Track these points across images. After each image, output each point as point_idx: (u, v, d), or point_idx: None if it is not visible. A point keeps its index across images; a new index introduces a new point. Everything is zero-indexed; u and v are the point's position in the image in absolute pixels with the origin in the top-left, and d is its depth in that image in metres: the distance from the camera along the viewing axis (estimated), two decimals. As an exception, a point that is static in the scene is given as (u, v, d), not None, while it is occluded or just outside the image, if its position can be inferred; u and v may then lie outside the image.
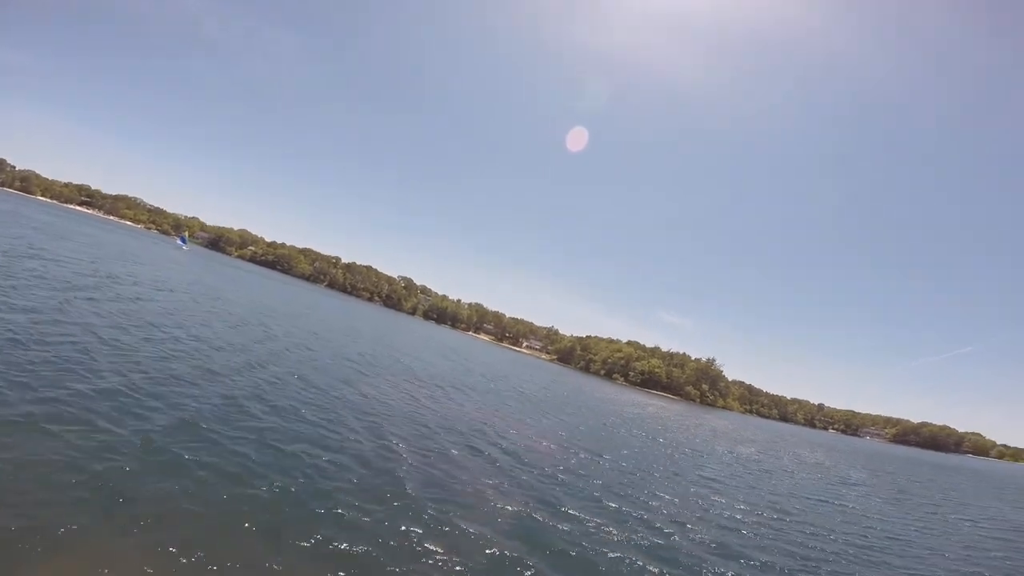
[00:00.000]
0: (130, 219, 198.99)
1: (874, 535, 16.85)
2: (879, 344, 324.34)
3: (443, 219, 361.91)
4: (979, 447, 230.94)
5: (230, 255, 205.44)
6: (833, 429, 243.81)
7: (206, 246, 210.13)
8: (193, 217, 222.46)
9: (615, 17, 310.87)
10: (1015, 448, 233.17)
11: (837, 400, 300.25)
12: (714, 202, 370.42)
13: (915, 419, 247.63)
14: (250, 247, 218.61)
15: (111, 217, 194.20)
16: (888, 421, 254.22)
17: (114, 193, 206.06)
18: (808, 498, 21.27)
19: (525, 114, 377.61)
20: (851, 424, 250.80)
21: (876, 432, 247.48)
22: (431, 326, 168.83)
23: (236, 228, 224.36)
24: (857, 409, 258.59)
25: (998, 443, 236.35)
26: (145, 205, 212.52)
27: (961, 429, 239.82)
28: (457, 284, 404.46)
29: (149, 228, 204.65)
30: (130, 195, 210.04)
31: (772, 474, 26.42)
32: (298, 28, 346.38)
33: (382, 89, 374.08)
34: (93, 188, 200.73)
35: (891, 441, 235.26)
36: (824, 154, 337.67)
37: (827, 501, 21.55)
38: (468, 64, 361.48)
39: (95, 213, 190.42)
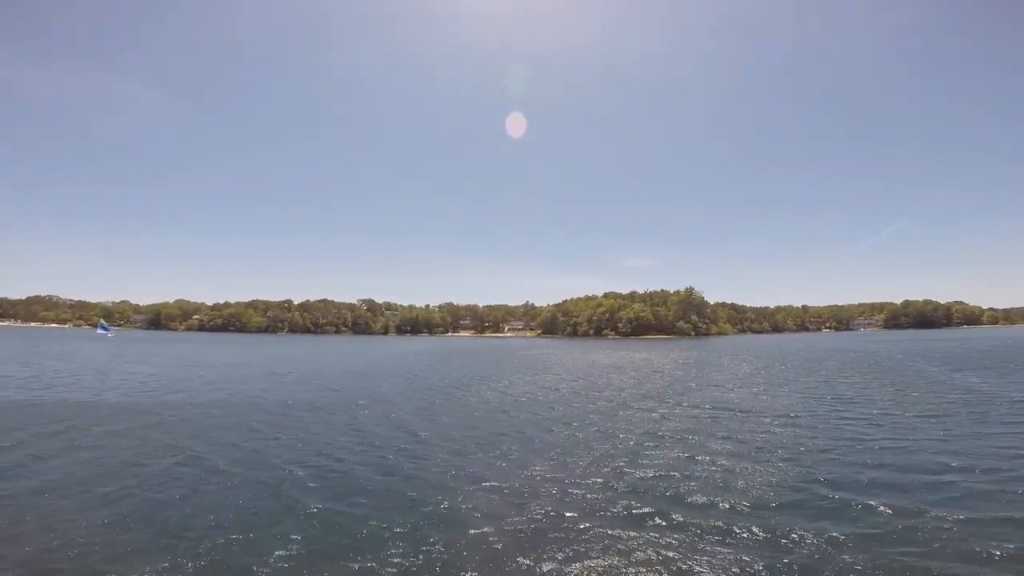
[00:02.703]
0: (53, 320, 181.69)
1: None
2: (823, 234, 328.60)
3: (396, 231, 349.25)
4: (969, 316, 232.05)
5: (176, 330, 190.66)
6: (826, 328, 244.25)
7: (146, 328, 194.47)
8: (123, 301, 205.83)
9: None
10: (1002, 311, 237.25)
11: (804, 299, 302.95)
12: (643, 140, 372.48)
13: (883, 299, 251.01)
14: (194, 316, 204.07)
15: (31, 324, 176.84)
16: (873, 307, 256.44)
17: (25, 297, 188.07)
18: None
19: (454, 111, 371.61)
20: (841, 319, 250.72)
21: (867, 322, 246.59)
22: (408, 339, 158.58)
23: (172, 301, 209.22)
24: (838, 303, 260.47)
25: (984, 308, 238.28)
26: (65, 302, 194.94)
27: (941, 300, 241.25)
28: (427, 288, 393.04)
29: (79, 325, 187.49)
30: (43, 295, 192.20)
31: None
32: (160, 81, 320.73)
33: (288, 118, 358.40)
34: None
35: (884, 327, 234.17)
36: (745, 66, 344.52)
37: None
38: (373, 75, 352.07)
39: (12, 323, 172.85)
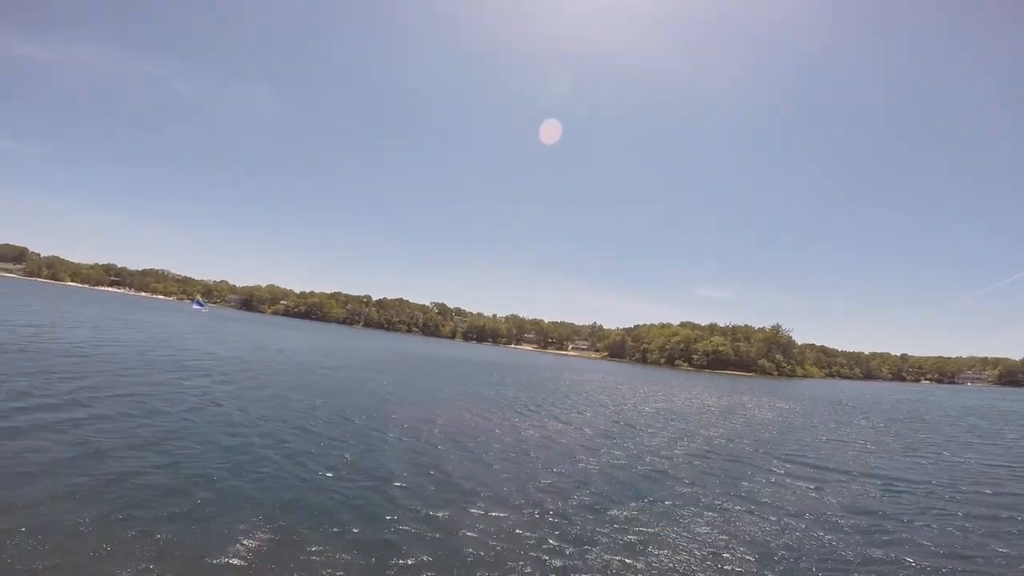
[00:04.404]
0: (161, 292, 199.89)
1: None
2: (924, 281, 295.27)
3: (454, 240, 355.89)
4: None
5: (264, 312, 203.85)
6: (926, 379, 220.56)
7: (239, 307, 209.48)
8: (222, 281, 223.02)
9: (568, 5, 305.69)
10: None
11: (902, 347, 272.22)
12: (716, 164, 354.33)
13: (990, 353, 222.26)
14: (282, 301, 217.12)
15: (142, 294, 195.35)
16: (985, 362, 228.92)
17: (141, 268, 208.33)
18: None
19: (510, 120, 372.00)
20: (944, 371, 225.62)
21: (975, 376, 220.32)
22: (473, 346, 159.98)
23: (264, 285, 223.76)
24: (945, 354, 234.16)
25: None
26: (173, 276, 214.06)
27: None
28: (493, 299, 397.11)
29: (181, 299, 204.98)
30: (156, 268, 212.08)
31: None
32: (265, 77, 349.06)
33: (352, 126, 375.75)
34: (119, 266, 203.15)
35: (996, 383, 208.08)
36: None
37: None
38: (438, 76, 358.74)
39: (125, 292, 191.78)
